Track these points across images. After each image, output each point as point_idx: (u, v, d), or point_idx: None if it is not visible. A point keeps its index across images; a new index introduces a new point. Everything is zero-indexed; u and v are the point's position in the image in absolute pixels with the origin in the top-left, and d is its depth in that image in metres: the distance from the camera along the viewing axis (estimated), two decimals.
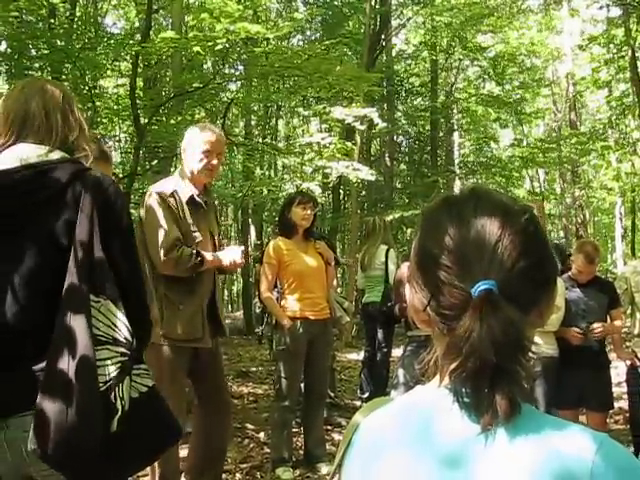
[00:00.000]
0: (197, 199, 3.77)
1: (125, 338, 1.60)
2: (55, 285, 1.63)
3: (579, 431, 0.87)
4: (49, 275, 1.67)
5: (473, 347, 0.84)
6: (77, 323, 1.56)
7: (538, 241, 0.94)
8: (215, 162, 3.77)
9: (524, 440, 0.85)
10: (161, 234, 3.60)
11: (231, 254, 3.83)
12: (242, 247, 4.13)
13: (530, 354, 0.87)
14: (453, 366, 0.87)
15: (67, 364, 1.53)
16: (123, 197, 1.82)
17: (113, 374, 1.56)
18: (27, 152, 1.78)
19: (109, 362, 1.56)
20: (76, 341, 1.55)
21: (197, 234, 3.74)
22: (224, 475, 4.54)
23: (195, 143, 3.75)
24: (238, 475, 4.74)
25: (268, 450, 5.17)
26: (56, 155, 1.80)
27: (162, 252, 3.57)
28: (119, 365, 1.56)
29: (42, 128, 1.82)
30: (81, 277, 1.61)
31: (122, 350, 1.58)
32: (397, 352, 7.59)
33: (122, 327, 1.60)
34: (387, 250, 6.89)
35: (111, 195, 1.74)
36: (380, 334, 6.98)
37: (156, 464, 3.79)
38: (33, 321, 1.65)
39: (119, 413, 1.53)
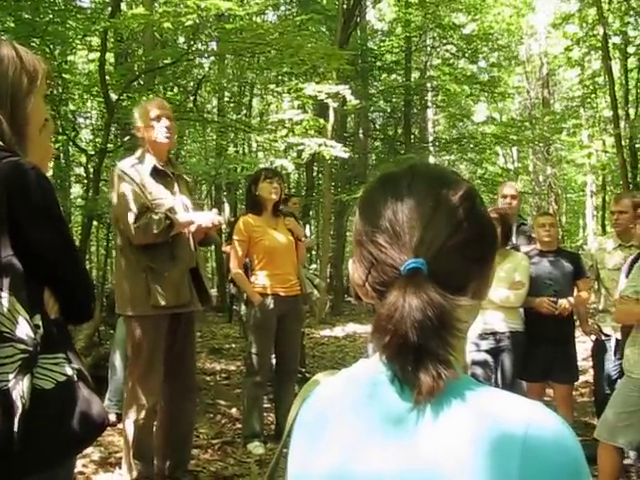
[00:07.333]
0: (160, 168, 3.86)
1: (27, 334, 1.54)
2: None
3: (508, 407, 0.85)
4: None
5: (395, 326, 0.83)
6: None
7: (473, 218, 0.92)
8: (169, 124, 3.88)
9: (446, 420, 0.84)
10: (127, 205, 3.68)
11: (204, 215, 3.93)
12: (216, 210, 4.21)
13: (458, 332, 0.85)
14: (382, 343, 0.86)
15: None
16: (42, 184, 1.64)
17: (16, 372, 1.50)
18: None
19: (11, 360, 1.51)
20: None
21: (163, 201, 3.80)
22: (196, 451, 4.58)
23: (145, 114, 3.87)
24: (210, 451, 4.76)
25: (240, 426, 5.22)
26: None
27: (131, 221, 3.64)
28: (20, 363, 1.51)
29: None
30: None
31: (23, 347, 1.52)
32: None
33: (23, 323, 1.54)
34: None
35: (21, 186, 1.59)
36: None
37: (130, 440, 3.78)
38: None
39: (19, 411, 1.47)
